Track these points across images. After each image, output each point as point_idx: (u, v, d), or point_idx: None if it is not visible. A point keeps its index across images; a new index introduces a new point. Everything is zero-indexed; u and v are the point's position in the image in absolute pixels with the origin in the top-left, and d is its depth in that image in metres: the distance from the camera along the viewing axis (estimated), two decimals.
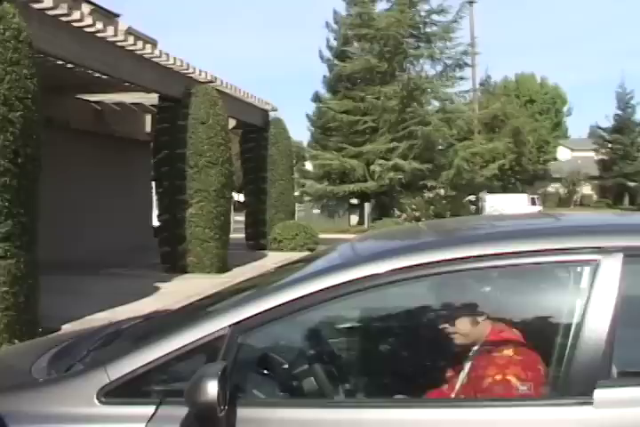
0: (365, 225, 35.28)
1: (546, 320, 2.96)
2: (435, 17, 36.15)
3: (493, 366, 2.96)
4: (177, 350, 2.74)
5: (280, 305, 2.74)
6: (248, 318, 2.73)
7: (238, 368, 2.72)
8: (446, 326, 3.15)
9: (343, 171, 36.19)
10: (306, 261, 3.89)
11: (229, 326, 2.72)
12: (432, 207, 35.69)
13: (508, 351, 2.99)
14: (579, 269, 2.74)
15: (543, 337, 2.89)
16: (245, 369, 2.91)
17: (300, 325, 3.20)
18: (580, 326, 2.62)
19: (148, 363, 2.74)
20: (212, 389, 2.44)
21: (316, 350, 3.27)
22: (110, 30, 13.54)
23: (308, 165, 43.50)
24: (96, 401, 2.72)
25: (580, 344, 2.59)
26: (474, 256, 2.75)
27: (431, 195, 36.71)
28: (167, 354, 2.74)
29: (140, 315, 4.72)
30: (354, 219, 40.26)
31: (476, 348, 3.13)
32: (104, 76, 15.32)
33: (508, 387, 2.86)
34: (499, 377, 2.89)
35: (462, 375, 3.13)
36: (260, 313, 2.73)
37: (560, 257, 2.75)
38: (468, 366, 3.13)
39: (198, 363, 2.69)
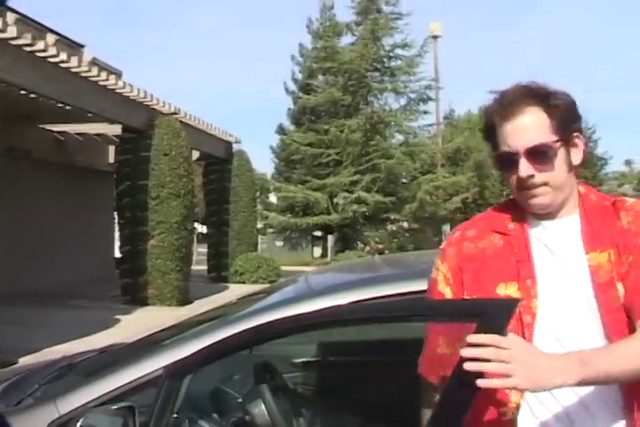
0: (328, 258, 35.25)
1: None
2: (399, 51, 36.60)
3: None
4: (126, 384, 2.71)
5: (230, 338, 2.72)
6: (198, 352, 2.70)
7: (187, 404, 2.69)
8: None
9: (307, 203, 36.22)
10: (261, 294, 3.87)
11: (178, 360, 2.69)
12: (395, 240, 35.79)
13: None
14: None
15: None
16: (189, 406, 2.88)
17: (249, 359, 3.18)
18: None
19: (98, 397, 2.71)
20: None
21: (270, 384, 3.25)
22: (74, 61, 13.53)
23: (272, 198, 43.49)
24: None
25: None
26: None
27: (394, 228, 36.82)
28: (116, 389, 2.71)
29: (95, 348, 4.67)
30: (317, 251, 40.20)
31: None
32: (67, 107, 15.28)
33: None
34: None
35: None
36: (211, 346, 2.71)
37: None
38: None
39: (147, 398, 2.66)
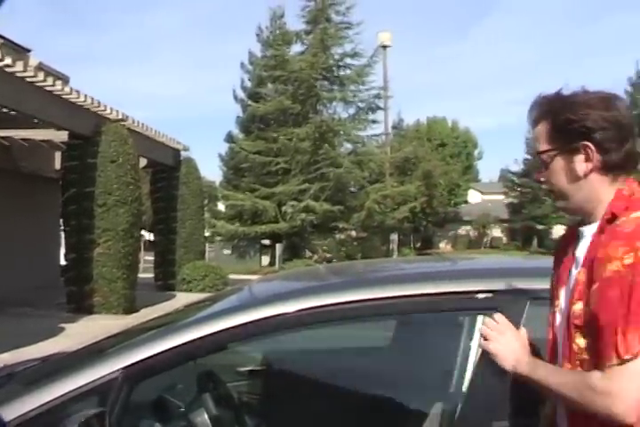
0: (276, 266, 35.21)
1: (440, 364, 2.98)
2: (348, 60, 36.79)
3: None
4: (68, 393, 2.67)
5: (176, 347, 2.70)
6: (141, 361, 2.68)
7: (130, 412, 2.66)
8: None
9: (255, 211, 36.20)
10: (206, 302, 3.85)
11: (121, 369, 2.67)
12: (343, 249, 35.87)
13: None
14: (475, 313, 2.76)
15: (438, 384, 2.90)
16: (137, 414, 2.85)
17: (197, 367, 3.15)
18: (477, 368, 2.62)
19: (39, 406, 2.66)
20: None
21: (213, 393, 3.22)
22: (20, 65, 13.40)
23: (220, 206, 43.37)
24: None
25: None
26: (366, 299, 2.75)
27: (342, 236, 36.90)
28: (58, 397, 2.67)
29: (37, 357, 4.60)
30: (265, 260, 40.17)
31: None
32: (12, 112, 15.11)
33: None
34: None
35: None
36: (154, 356, 2.68)
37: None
38: None
39: (90, 407, 2.62)
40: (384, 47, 38.70)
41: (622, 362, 1.97)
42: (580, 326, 2.12)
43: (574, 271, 2.24)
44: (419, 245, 54.24)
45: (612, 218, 2.18)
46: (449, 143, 65.42)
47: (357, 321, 2.91)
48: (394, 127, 47.06)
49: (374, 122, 37.44)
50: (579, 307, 2.13)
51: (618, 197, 2.21)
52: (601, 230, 2.18)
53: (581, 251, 2.24)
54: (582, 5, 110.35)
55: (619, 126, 2.20)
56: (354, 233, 37.30)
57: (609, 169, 2.21)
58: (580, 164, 2.22)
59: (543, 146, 2.28)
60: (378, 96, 36.99)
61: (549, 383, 2.17)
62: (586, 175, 2.22)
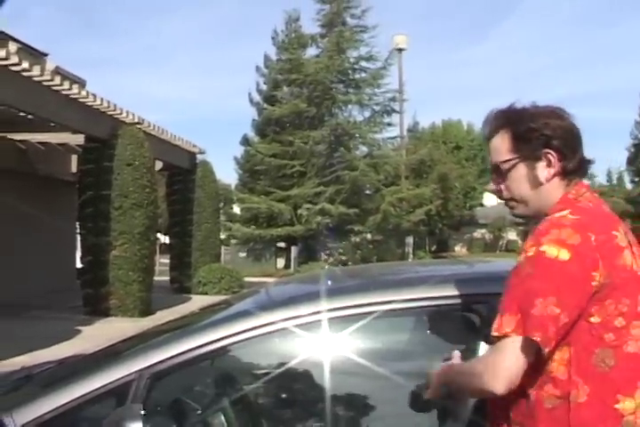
0: (292, 269, 35.20)
1: None
2: (364, 63, 36.70)
3: None
4: (85, 395, 2.68)
5: (193, 349, 2.71)
6: (158, 364, 2.69)
7: (147, 414, 2.67)
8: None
9: (270, 214, 36.24)
10: (222, 305, 3.86)
11: (138, 371, 2.67)
12: (359, 251, 35.82)
13: None
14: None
15: None
16: (154, 415, 2.86)
17: (213, 369, 3.16)
18: None
19: (56, 408, 2.68)
20: None
21: (230, 396, 3.22)
22: (37, 69, 13.45)
23: (236, 208, 43.40)
24: None
25: None
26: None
27: (358, 239, 36.85)
28: (75, 399, 2.68)
29: (54, 359, 4.62)
30: (280, 262, 40.17)
31: None
32: (29, 116, 15.17)
33: None
34: None
35: None
36: (170, 358, 2.69)
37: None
38: None
39: (107, 409, 2.63)
40: (399, 50, 38.59)
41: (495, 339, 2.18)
42: None
43: None
44: (434, 248, 54.09)
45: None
46: (464, 146, 65.29)
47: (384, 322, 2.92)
48: (409, 130, 47.01)
49: (390, 125, 37.38)
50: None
51: (561, 200, 2.36)
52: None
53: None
54: (602, 10, 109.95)
55: (572, 135, 2.38)
56: (369, 236, 37.24)
57: (566, 174, 2.37)
58: (542, 170, 2.36)
59: (504, 155, 2.38)
60: (393, 99, 36.92)
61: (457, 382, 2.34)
62: (547, 181, 2.36)
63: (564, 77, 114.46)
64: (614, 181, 49.11)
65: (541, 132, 2.33)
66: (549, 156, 2.33)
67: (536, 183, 2.36)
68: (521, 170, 2.36)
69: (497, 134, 2.41)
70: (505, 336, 2.14)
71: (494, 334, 2.16)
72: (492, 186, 2.45)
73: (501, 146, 2.39)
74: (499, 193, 2.44)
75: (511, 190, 2.39)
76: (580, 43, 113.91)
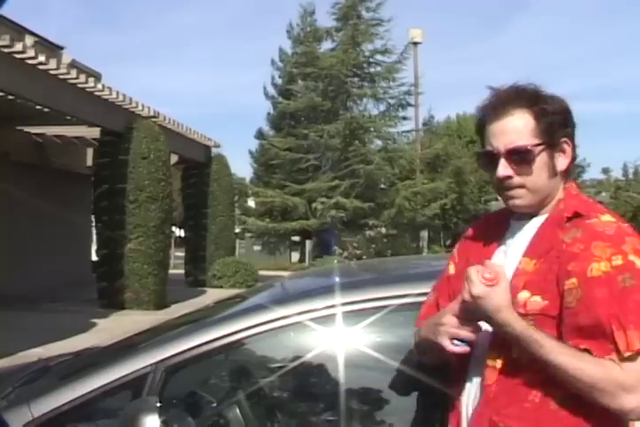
0: (306, 262, 35.21)
1: None
2: (379, 57, 36.54)
3: None
4: (101, 387, 2.70)
5: (208, 342, 2.73)
6: (173, 356, 2.71)
7: (163, 407, 2.69)
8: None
9: (285, 208, 36.23)
10: (237, 298, 3.87)
11: (154, 363, 2.70)
12: (373, 246, 35.78)
13: None
14: None
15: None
16: (170, 408, 2.87)
17: (228, 362, 3.17)
18: None
19: (72, 400, 2.70)
20: (152, 423, 2.41)
21: (245, 389, 3.24)
22: (53, 63, 13.50)
23: (251, 202, 43.43)
24: None
25: None
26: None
27: (372, 233, 36.80)
28: (91, 391, 2.70)
29: (70, 352, 4.65)
30: (295, 256, 40.21)
31: None
32: (45, 109, 15.22)
33: None
34: None
35: None
36: (186, 350, 2.71)
37: None
38: None
39: (123, 401, 2.65)
40: (415, 44, 38.44)
41: (624, 359, 2.00)
42: (525, 315, 2.10)
43: (510, 260, 2.24)
44: (449, 242, 54.02)
45: (572, 216, 2.19)
46: (478, 141, 65.03)
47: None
48: (424, 124, 46.81)
49: (405, 118, 37.24)
50: (524, 296, 2.13)
51: (571, 195, 2.25)
52: (558, 225, 2.19)
53: (520, 240, 2.25)
54: (620, 2, 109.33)
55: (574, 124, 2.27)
56: (384, 230, 37.16)
57: (571, 165, 2.27)
58: (562, 160, 2.24)
59: (529, 139, 2.18)
60: (408, 93, 36.77)
61: (557, 361, 2.03)
62: (562, 171, 2.25)
63: (579, 70, 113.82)
64: (630, 176, 48.77)
65: (564, 118, 2.23)
66: (565, 145, 2.22)
67: (553, 173, 2.21)
68: (544, 157, 2.18)
69: (512, 116, 2.19)
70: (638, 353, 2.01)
71: (626, 354, 2.00)
72: (503, 170, 2.19)
73: (524, 128, 2.18)
74: (508, 179, 2.19)
75: (528, 178, 2.19)
76: (595, 36, 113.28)
